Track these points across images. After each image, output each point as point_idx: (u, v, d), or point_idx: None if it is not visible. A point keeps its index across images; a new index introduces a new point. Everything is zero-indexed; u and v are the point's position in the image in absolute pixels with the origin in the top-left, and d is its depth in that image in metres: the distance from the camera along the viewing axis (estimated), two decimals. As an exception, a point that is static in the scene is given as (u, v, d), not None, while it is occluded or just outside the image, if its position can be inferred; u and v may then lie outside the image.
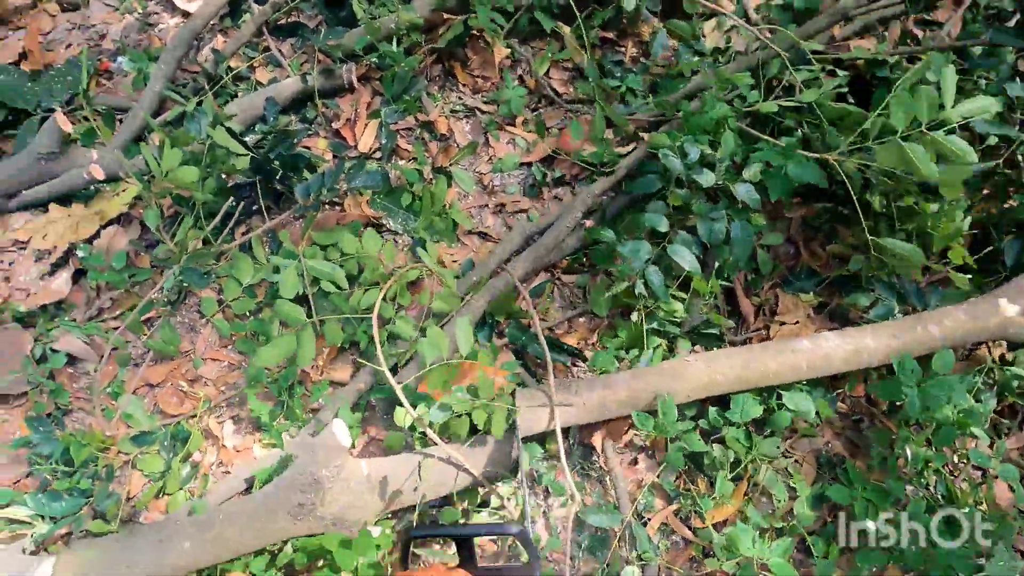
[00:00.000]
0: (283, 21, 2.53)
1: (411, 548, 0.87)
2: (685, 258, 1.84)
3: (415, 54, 2.41)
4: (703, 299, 1.99)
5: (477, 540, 0.89)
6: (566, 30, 2.45)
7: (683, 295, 1.97)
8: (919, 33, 2.49)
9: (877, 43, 2.43)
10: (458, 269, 2.16)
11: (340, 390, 1.94)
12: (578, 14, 2.34)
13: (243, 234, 2.18)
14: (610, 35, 2.50)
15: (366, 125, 2.35)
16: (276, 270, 2.03)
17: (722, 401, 1.85)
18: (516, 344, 2.04)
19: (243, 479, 1.87)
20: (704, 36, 2.46)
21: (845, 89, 1.96)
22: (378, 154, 2.34)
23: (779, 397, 1.85)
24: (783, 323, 2.09)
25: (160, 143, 2.11)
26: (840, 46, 2.41)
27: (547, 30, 2.41)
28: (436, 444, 1.68)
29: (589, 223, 2.16)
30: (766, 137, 1.92)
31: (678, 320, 1.94)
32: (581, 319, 2.14)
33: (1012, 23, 2.25)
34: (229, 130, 1.88)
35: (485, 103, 2.44)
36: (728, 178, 1.86)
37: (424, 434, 1.75)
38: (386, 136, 2.32)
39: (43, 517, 1.80)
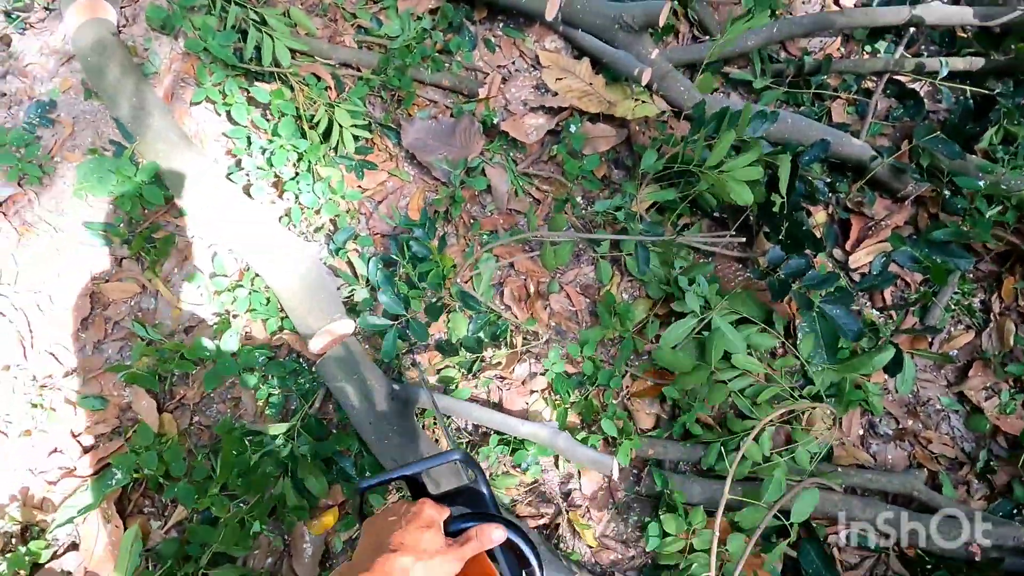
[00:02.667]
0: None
1: (364, 500, 1.00)
2: None
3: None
4: None
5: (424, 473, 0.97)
6: None
7: None
8: None
9: None
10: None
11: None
12: None
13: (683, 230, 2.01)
14: None
15: (875, 245, 2.00)
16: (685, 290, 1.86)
17: None
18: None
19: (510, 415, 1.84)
20: None
21: None
22: (864, 270, 2.01)
23: None
24: None
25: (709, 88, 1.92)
26: None
27: None
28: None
29: None
30: None
31: None
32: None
33: None
34: (798, 171, 1.65)
35: None
36: None
37: None
38: (880, 267, 1.96)
39: (367, 282, 1.91)
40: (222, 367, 1.74)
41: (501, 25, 2.26)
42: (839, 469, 1.81)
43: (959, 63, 2.17)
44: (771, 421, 1.75)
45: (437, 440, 1.80)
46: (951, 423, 1.91)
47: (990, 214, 1.92)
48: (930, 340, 1.97)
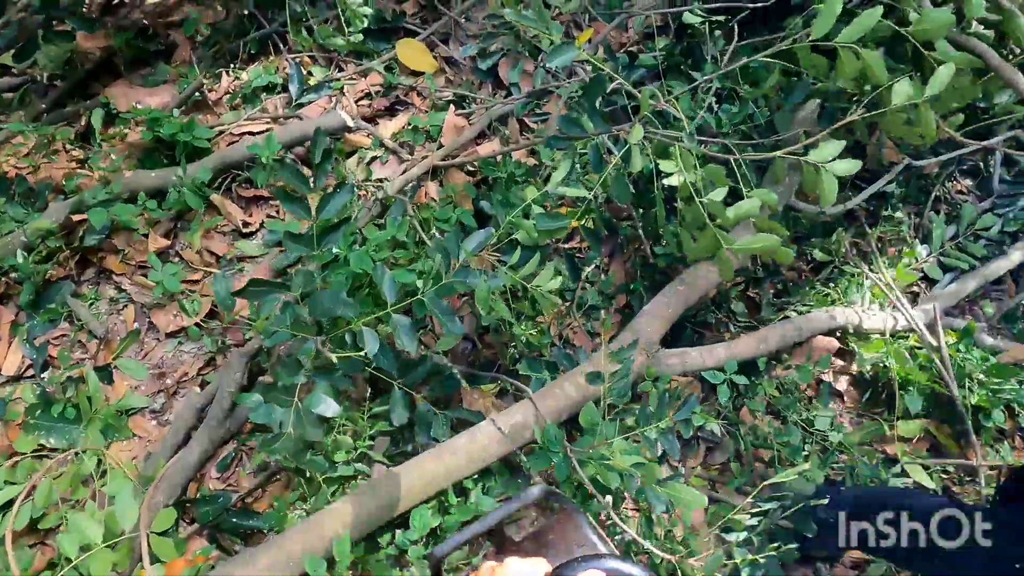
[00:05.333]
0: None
1: (443, 569, 0.89)
2: (329, 407, 1.81)
3: (56, 259, 2.35)
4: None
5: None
6: (216, 198, 2.53)
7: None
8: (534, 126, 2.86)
9: (501, 142, 2.76)
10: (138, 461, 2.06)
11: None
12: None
13: None
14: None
15: (10, 344, 2.22)
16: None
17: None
18: (208, 523, 1.95)
19: None
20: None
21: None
22: (30, 372, 2.21)
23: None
24: (469, 417, 2.18)
25: None
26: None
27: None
28: None
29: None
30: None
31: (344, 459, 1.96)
32: (278, 478, 2.10)
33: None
34: None
35: (145, 288, 2.41)
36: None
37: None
38: (34, 351, 2.20)
39: None
40: None
41: None
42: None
43: None
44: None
45: None
46: (189, 352, 2.32)
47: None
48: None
